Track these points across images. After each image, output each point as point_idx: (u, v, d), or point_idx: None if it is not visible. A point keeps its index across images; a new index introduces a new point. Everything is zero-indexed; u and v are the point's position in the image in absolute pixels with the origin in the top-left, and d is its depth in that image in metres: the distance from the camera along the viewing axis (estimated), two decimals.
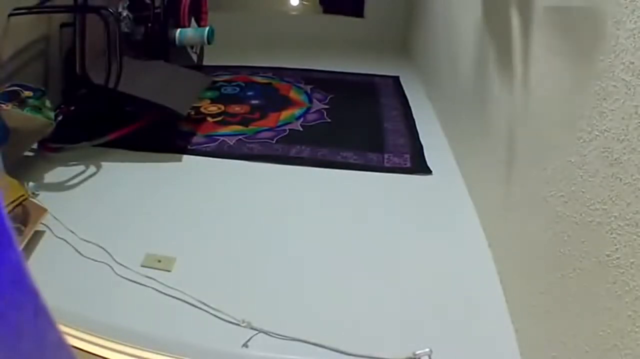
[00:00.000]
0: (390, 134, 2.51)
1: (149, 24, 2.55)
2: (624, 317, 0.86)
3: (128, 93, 2.10)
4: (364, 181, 2.09)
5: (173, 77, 2.49)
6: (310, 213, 1.88)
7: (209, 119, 2.60)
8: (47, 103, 1.94)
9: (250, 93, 2.96)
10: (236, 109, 2.73)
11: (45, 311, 0.35)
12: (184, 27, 2.75)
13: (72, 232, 1.66)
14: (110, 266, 1.53)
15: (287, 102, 2.85)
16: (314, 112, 2.74)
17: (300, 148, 2.32)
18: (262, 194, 1.98)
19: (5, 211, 0.30)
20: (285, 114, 2.69)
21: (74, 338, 1.11)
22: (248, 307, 1.40)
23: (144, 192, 1.98)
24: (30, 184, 1.93)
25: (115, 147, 2.19)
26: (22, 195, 1.59)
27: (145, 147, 2.25)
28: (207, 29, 2.67)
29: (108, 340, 1.15)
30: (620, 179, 0.88)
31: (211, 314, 1.37)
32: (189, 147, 2.30)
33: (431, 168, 2.17)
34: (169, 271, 1.53)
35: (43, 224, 1.65)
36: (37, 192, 1.86)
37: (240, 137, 2.41)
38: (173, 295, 1.43)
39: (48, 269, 1.52)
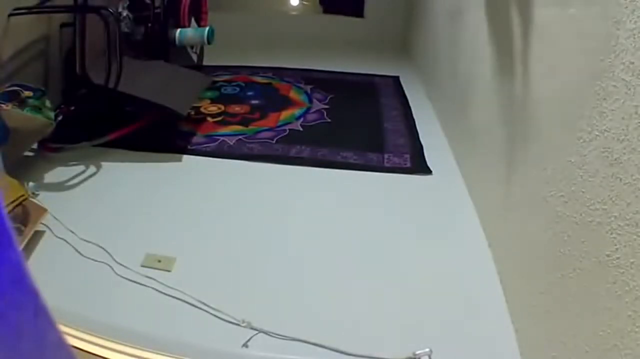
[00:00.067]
0: (390, 134, 2.51)
1: (149, 24, 2.55)
2: (624, 317, 0.86)
3: (128, 93, 2.10)
4: (364, 181, 2.09)
5: (173, 77, 2.50)
6: (310, 213, 1.88)
7: (209, 119, 2.60)
8: (47, 103, 1.94)
9: (250, 93, 2.96)
10: (236, 109, 2.73)
11: (45, 311, 0.35)
12: (184, 27, 2.75)
13: (72, 232, 1.66)
14: (110, 266, 1.53)
15: (287, 102, 2.85)
16: (314, 112, 2.74)
17: (300, 148, 2.32)
18: (262, 194, 1.98)
19: (5, 211, 0.30)
20: (285, 114, 2.69)
21: (74, 338, 1.11)
22: (248, 307, 1.40)
23: (144, 192, 1.98)
24: (30, 184, 1.93)
25: (115, 147, 2.19)
26: (22, 195, 1.59)
27: (145, 147, 2.25)
28: (207, 29, 2.67)
29: (108, 340, 1.15)
30: (620, 179, 0.88)
31: (211, 314, 1.37)
32: (189, 147, 2.30)
33: (431, 168, 2.17)
34: (169, 271, 1.53)
35: (43, 224, 1.65)
36: (37, 192, 1.86)
37: (240, 137, 2.41)
38: (173, 295, 1.43)
39: (48, 269, 1.52)
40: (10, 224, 0.30)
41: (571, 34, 1.14)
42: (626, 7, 0.88)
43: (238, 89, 3.02)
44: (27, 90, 1.87)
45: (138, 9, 2.50)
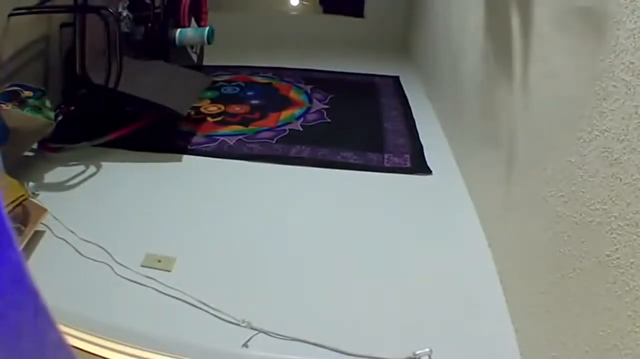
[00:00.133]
0: (390, 134, 2.51)
1: (149, 24, 2.55)
2: (624, 317, 0.86)
3: (128, 93, 2.10)
4: (364, 181, 2.09)
5: (173, 77, 2.50)
6: (310, 213, 1.88)
7: (209, 119, 2.60)
8: (47, 103, 1.94)
9: (250, 93, 2.96)
10: (236, 109, 2.73)
11: (45, 311, 0.35)
12: (184, 27, 2.75)
13: (72, 232, 1.66)
14: (110, 266, 1.53)
15: (287, 102, 2.85)
16: (314, 112, 2.74)
17: (300, 148, 2.32)
18: (262, 194, 1.98)
19: (5, 211, 0.30)
20: (285, 114, 2.69)
21: (74, 338, 1.11)
22: (248, 307, 1.40)
23: (144, 192, 1.98)
24: (30, 184, 1.93)
25: (115, 147, 2.19)
26: (22, 195, 1.59)
27: (145, 147, 2.25)
28: (207, 29, 2.67)
29: (108, 340, 1.15)
30: (620, 179, 0.88)
31: (211, 314, 1.37)
32: (189, 147, 2.30)
33: (431, 168, 2.17)
34: (169, 271, 1.53)
35: (43, 224, 1.65)
36: (37, 192, 1.86)
37: (240, 137, 2.41)
38: (173, 295, 1.43)
39: (48, 269, 1.52)
40: (10, 224, 0.30)
41: (571, 34, 1.14)
42: (626, 7, 0.88)
43: (238, 89, 3.02)
44: (27, 90, 1.87)
45: (138, 9, 2.50)
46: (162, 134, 2.36)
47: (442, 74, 2.68)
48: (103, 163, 2.12)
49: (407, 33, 3.90)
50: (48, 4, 2.21)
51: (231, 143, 2.35)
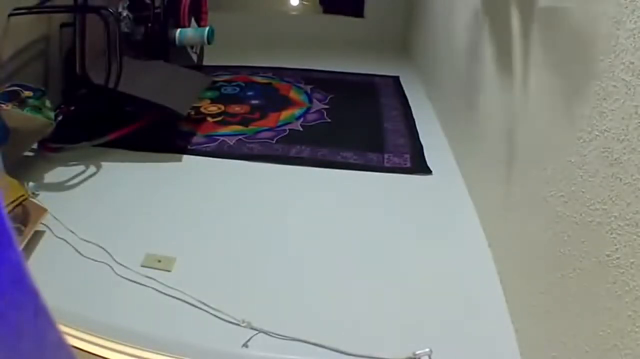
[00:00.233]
0: (390, 134, 2.51)
1: (149, 24, 2.55)
2: (624, 317, 0.86)
3: (128, 93, 2.10)
4: (364, 181, 2.09)
5: (173, 77, 2.50)
6: (310, 213, 1.88)
7: (209, 119, 2.60)
8: (47, 103, 1.94)
9: (250, 93, 2.96)
10: (236, 109, 2.73)
11: (45, 311, 0.35)
12: (184, 27, 2.75)
13: (72, 232, 1.66)
14: (110, 266, 1.53)
15: (287, 102, 2.85)
16: (314, 112, 2.74)
17: (300, 148, 2.32)
18: (262, 194, 1.98)
19: (5, 211, 0.30)
20: (285, 114, 2.69)
21: (74, 338, 1.11)
22: (248, 307, 1.40)
23: (144, 192, 1.98)
24: (30, 184, 1.93)
25: (115, 147, 2.19)
26: (22, 195, 1.59)
27: (145, 147, 2.25)
28: (207, 29, 2.67)
29: (108, 340, 1.15)
30: (620, 179, 0.88)
31: (211, 314, 1.37)
32: (189, 147, 2.30)
33: (431, 168, 2.17)
34: (169, 271, 1.53)
35: (43, 224, 1.65)
36: (37, 192, 1.86)
37: (240, 137, 2.41)
38: (173, 295, 1.43)
39: (48, 269, 1.52)
40: (10, 224, 0.30)
41: (571, 34, 1.14)
42: (626, 7, 0.88)
43: (238, 89, 3.02)
44: (27, 90, 1.87)
45: (138, 9, 2.50)
46: (162, 134, 2.36)
47: (442, 74, 2.68)
48: (103, 163, 2.12)
49: (407, 33, 3.90)
50: (48, 4, 2.21)
51: (231, 143, 2.35)
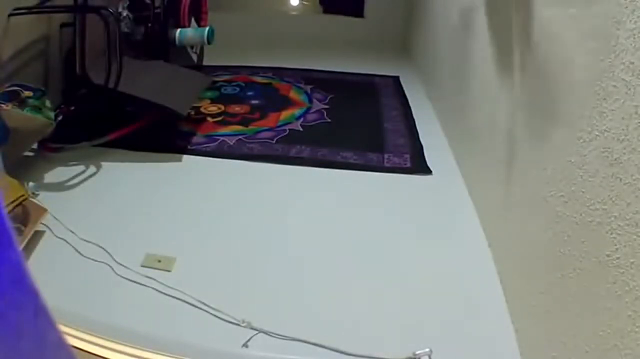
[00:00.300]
0: (390, 134, 2.51)
1: (149, 24, 2.55)
2: (624, 317, 0.86)
3: (128, 93, 2.10)
4: (364, 181, 2.09)
5: (173, 77, 2.50)
6: (310, 213, 1.88)
7: (209, 119, 2.60)
8: (47, 103, 1.94)
9: (250, 93, 2.96)
10: (236, 109, 2.73)
11: (45, 311, 0.35)
12: (184, 27, 2.75)
13: (72, 232, 1.66)
14: (110, 266, 1.53)
15: (287, 102, 2.85)
16: (314, 112, 2.74)
17: (300, 148, 2.32)
18: (262, 194, 1.98)
19: (5, 211, 0.30)
20: (285, 114, 2.69)
21: (74, 338, 1.11)
22: (248, 307, 1.40)
23: (144, 192, 1.98)
24: (30, 184, 1.93)
25: (115, 147, 2.19)
26: (22, 195, 1.59)
27: (145, 147, 2.25)
28: (207, 29, 2.67)
29: (108, 340, 1.15)
30: (620, 179, 0.88)
31: (211, 314, 1.37)
32: (189, 147, 2.30)
33: (431, 168, 2.17)
34: (169, 271, 1.53)
35: (43, 224, 1.65)
36: (37, 192, 1.86)
37: (240, 137, 2.41)
38: (173, 295, 1.43)
39: (48, 269, 1.52)
40: (10, 224, 0.30)
41: (571, 34, 1.14)
42: (626, 7, 0.88)
43: (238, 89, 3.02)
44: (27, 90, 1.87)
45: (138, 9, 2.50)
46: (162, 134, 2.36)
47: (442, 74, 2.68)
48: (103, 163, 2.12)
49: (407, 33, 3.90)
50: (48, 4, 2.21)
51: (231, 143, 2.35)
